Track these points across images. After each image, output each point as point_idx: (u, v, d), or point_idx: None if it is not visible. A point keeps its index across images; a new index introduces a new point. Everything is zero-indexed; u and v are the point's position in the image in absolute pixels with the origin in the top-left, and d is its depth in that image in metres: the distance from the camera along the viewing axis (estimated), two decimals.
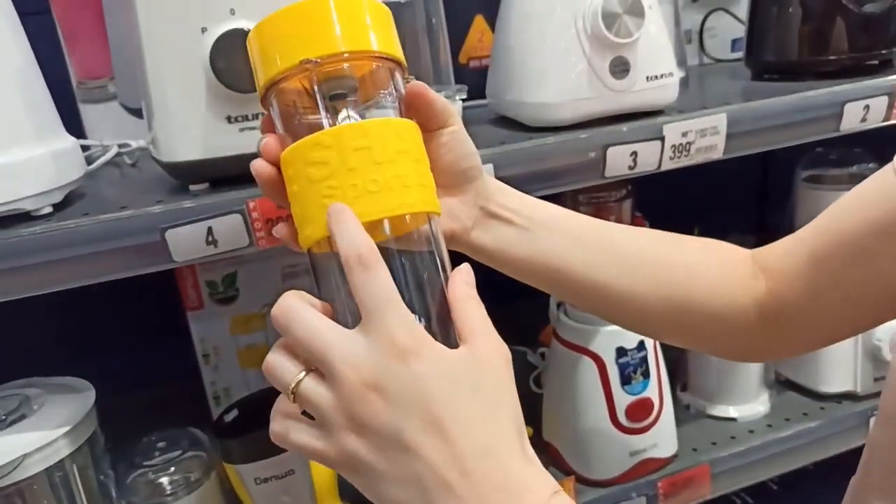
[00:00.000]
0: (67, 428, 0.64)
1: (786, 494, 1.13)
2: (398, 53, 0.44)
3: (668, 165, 0.73)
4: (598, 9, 0.67)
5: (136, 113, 0.69)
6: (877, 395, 0.98)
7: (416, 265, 0.41)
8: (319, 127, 0.41)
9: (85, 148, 0.79)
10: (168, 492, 0.75)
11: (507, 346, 0.39)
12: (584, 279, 0.54)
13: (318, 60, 0.40)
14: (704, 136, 0.72)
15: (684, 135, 0.72)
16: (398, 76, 0.45)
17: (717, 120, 0.72)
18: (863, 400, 1.00)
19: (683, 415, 1.01)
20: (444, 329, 0.40)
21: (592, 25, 0.68)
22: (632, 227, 0.58)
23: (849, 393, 1.00)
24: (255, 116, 0.59)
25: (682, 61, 0.90)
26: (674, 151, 0.72)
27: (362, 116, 0.43)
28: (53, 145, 0.60)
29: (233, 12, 0.56)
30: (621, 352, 0.86)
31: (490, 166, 0.65)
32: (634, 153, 0.70)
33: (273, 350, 0.40)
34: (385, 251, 0.38)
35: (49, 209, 0.59)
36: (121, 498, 0.74)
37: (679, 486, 0.91)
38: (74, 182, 0.62)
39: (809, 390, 1.03)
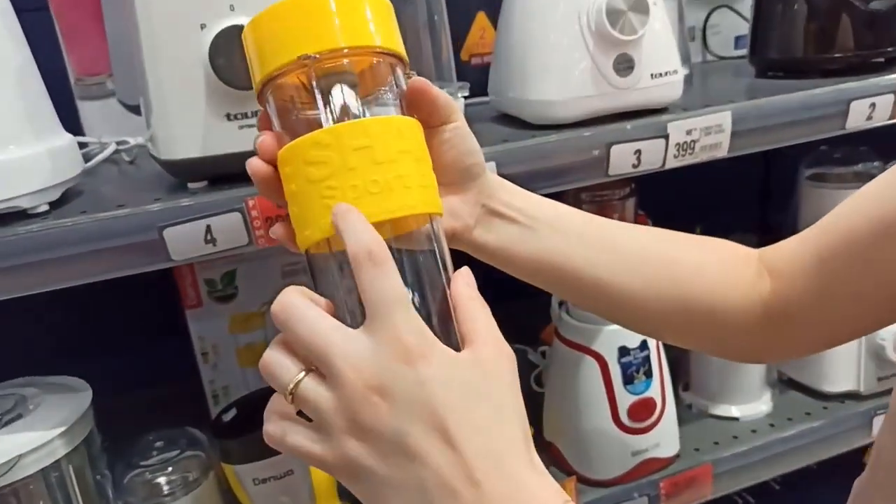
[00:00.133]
0: (64, 428, 0.64)
1: (788, 494, 1.13)
2: (400, 48, 0.43)
3: (672, 164, 0.72)
4: (602, 5, 0.66)
5: (135, 110, 0.68)
6: (880, 394, 0.99)
7: (417, 265, 0.40)
8: (318, 123, 0.40)
9: (83, 145, 0.78)
10: (166, 492, 0.75)
11: (511, 349, 0.38)
12: (587, 278, 0.54)
13: (317, 56, 0.39)
14: (709, 134, 0.72)
15: (689, 133, 0.71)
16: (399, 72, 0.44)
17: (722, 118, 0.72)
18: (866, 399, 0.99)
19: (685, 414, 1.00)
20: (445, 331, 0.39)
21: (596, 22, 0.67)
22: (636, 226, 0.57)
23: (852, 392, 1.00)
24: (255, 114, 0.58)
25: (685, 59, 0.89)
26: (678, 149, 0.71)
27: (363, 112, 0.42)
28: (50, 143, 0.59)
29: (232, 8, 0.56)
30: (624, 351, 0.85)
31: (492, 164, 0.64)
32: (638, 151, 0.70)
33: (271, 347, 0.38)
34: None
35: (46, 207, 0.58)
36: (118, 498, 0.74)
37: (681, 487, 0.90)
38: (72, 180, 0.62)
39: (812, 390, 1.02)
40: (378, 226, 0.38)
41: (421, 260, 0.41)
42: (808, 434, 0.96)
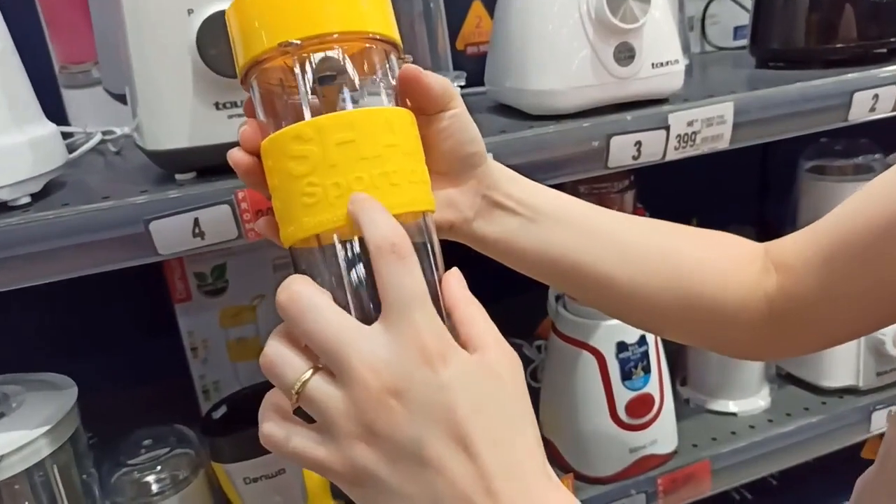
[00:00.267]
0: (48, 427, 0.62)
1: (786, 490, 1.12)
2: (392, 33, 0.41)
3: (672, 156, 0.70)
4: None
5: (122, 99, 0.66)
6: (879, 389, 0.98)
7: None
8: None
9: (67, 135, 0.76)
10: (154, 491, 0.73)
11: (515, 353, 0.36)
12: (589, 272, 0.52)
13: (299, 43, 0.37)
14: (711, 126, 0.70)
15: (690, 124, 0.69)
16: (394, 58, 0.42)
17: (724, 109, 0.70)
18: (865, 394, 0.99)
19: (683, 409, 0.99)
20: None
21: (597, 10, 0.65)
22: (640, 218, 0.55)
23: (851, 387, 0.99)
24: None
25: (685, 48, 0.88)
26: (679, 141, 0.70)
27: (350, 103, 0.40)
28: (32, 132, 0.57)
29: None
30: (622, 346, 0.84)
31: (489, 157, 0.62)
32: (639, 143, 0.68)
33: (273, 341, 0.35)
34: (365, 249, 0.35)
35: (27, 199, 0.57)
36: (105, 498, 0.72)
37: (679, 483, 0.89)
38: (54, 171, 0.60)
39: (811, 385, 1.01)
40: None
41: None
42: (807, 429, 0.95)
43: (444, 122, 0.45)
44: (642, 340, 0.85)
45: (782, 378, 1.05)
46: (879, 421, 0.98)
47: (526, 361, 0.96)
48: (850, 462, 0.79)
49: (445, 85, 0.44)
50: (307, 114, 0.38)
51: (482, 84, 0.81)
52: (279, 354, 0.35)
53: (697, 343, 0.61)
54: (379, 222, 0.34)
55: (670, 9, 0.72)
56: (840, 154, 0.98)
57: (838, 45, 0.82)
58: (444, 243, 0.42)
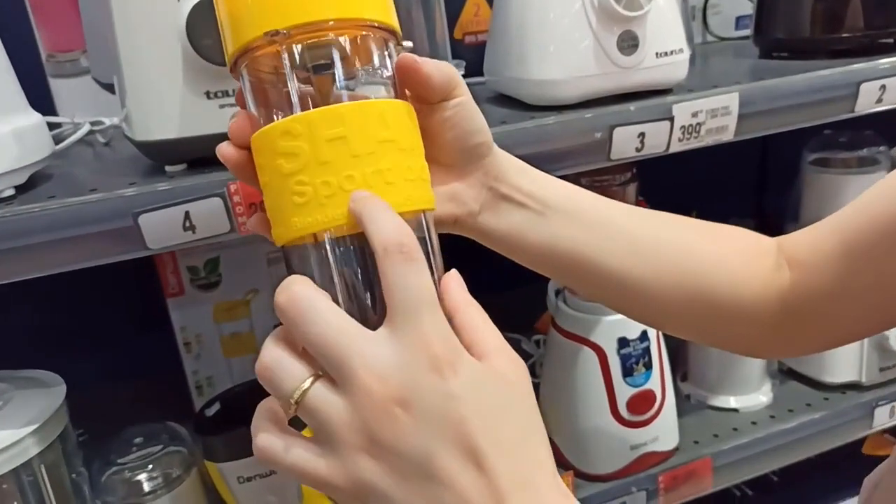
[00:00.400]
0: (36, 425, 0.60)
1: (788, 486, 1.11)
2: (389, 19, 0.38)
3: (676, 147, 0.69)
4: None
5: (111, 88, 0.64)
6: (882, 385, 0.97)
7: None
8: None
9: (54, 126, 0.74)
10: (146, 490, 0.72)
11: (521, 359, 0.35)
12: (597, 267, 0.50)
13: (287, 32, 0.35)
14: (715, 117, 0.69)
15: (694, 115, 0.68)
16: (392, 46, 0.40)
17: (729, 99, 0.68)
18: (868, 390, 0.98)
19: (684, 406, 0.98)
20: None
21: None
22: (651, 212, 0.53)
23: (854, 383, 0.98)
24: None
25: (689, 38, 0.86)
26: (683, 133, 0.68)
27: (344, 95, 0.38)
28: (15, 122, 0.56)
29: None
30: (623, 342, 0.82)
31: (496, 146, 0.61)
32: (642, 134, 0.66)
33: (270, 346, 0.33)
34: (364, 249, 0.34)
35: (11, 192, 0.55)
36: (96, 497, 0.70)
37: (680, 480, 0.88)
38: (40, 162, 0.58)
39: (813, 380, 1.00)
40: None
41: None
42: (809, 426, 0.94)
43: (447, 111, 0.43)
44: (644, 336, 0.83)
45: (784, 374, 1.03)
46: (882, 417, 0.97)
47: (524, 357, 0.95)
48: (853, 458, 0.78)
49: (449, 72, 0.42)
50: (297, 107, 0.36)
51: (481, 74, 0.79)
52: (276, 360, 0.33)
53: (707, 340, 0.59)
54: (385, 221, 0.32)
55: None
56: (844, 146, 0.97)
57: (844, 35, 0.81)
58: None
